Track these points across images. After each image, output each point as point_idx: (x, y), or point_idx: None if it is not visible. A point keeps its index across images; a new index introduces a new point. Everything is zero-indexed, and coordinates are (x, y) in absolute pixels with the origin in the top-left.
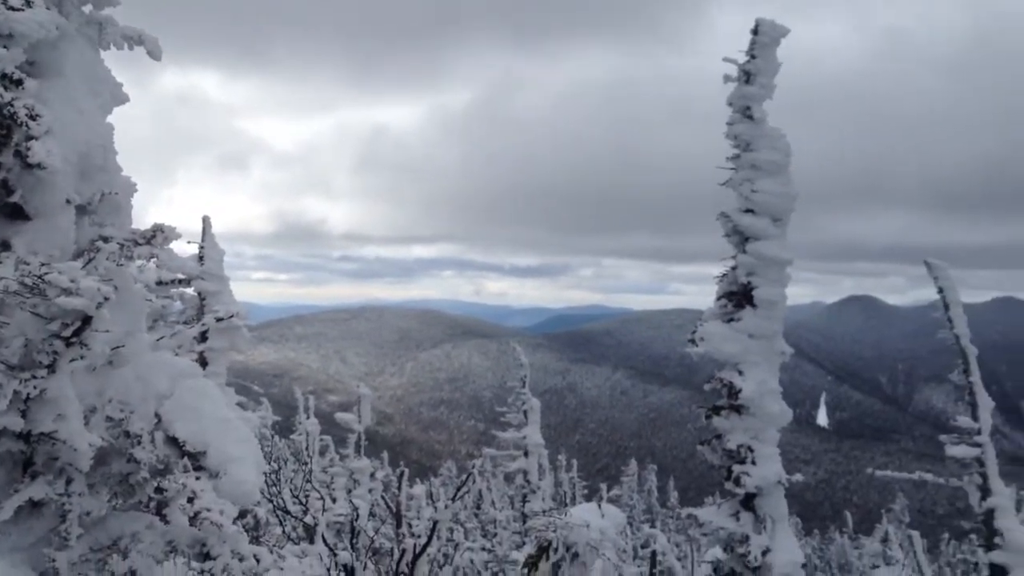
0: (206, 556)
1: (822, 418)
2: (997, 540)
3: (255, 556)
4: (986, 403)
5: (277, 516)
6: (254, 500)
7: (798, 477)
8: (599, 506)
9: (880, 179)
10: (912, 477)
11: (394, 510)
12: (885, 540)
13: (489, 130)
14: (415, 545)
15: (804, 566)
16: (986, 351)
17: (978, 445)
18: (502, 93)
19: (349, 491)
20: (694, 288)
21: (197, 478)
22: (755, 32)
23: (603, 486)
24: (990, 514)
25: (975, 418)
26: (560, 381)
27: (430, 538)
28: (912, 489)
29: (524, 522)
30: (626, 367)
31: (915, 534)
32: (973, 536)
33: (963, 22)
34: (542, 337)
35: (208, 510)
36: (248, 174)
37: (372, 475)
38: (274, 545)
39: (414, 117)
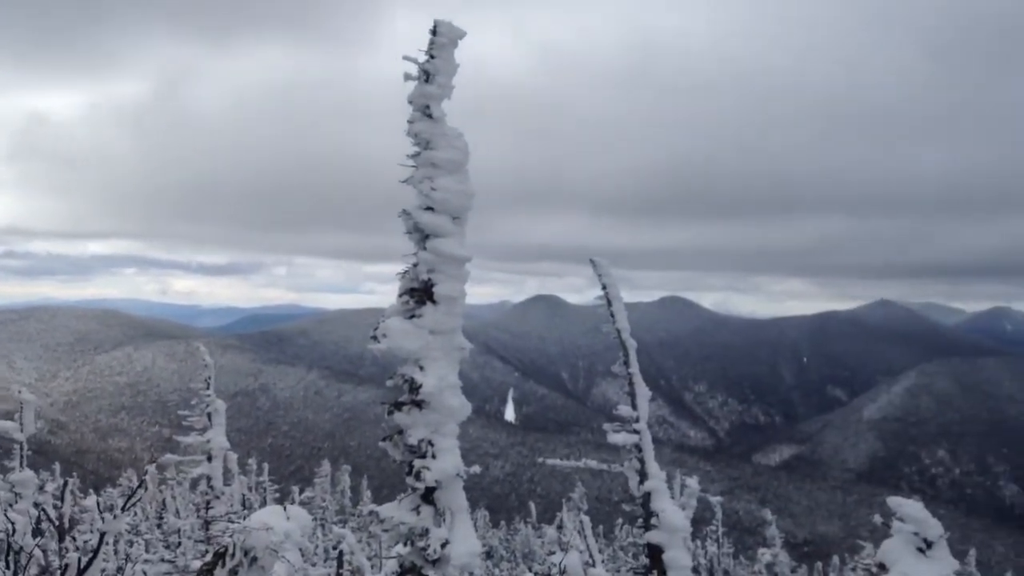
0: None
1: (510, 413)
2: (654, 521)
3: None
4: (644, 392)
5: None
6: None
7: (475, 469)
8: (284, 509)
9: (557, 185)
10: (579, 464)
11: (56, 524)
12: (560, 527)
13: (169, 123)
14: (79, 560)
15: (491, 556)
16: (655, 347)
17: (636, 432)
18: (182, 87)
19: (10, 505)
20: (388, 287)
21: None
22: (434, 33)
23: (295, 488)
24: (647, 497)
25: (634, 407)
26: (252, 383)
27: (96, 552)
28: (590, 478)
29: (207, 530)
30: (320, 367)
31: (586, 519)
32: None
33: (622, 38)
34: (234, 337)
35: None
36: None
37: (41, 488)
38: None
39: (80, 105)
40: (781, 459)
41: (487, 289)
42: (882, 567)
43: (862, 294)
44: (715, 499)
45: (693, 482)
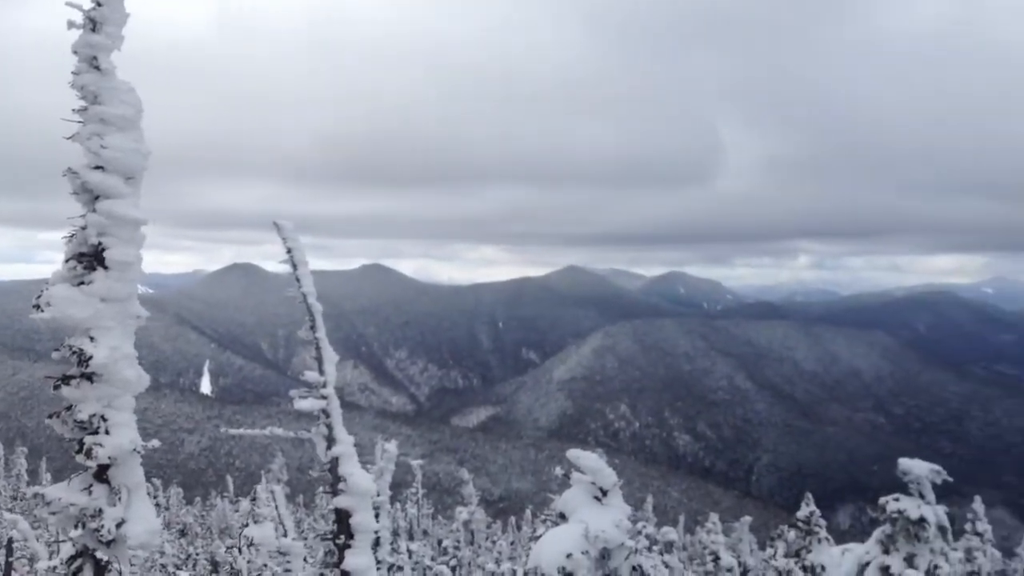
0: None
1: (206, 386)
2: (341, 486)
3: None
4: (331, 357)
5: None
6: None
7: (155, 443)
8: None
9: (245, 151)
10: (264, 433)
11: None
12: (255, 499)
13: None
14: None
15: (184, 533)
16: (356, 315)
17: (324, 398)
18: None
19: None
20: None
21: None
22: None
23: None
24: (335, 462)
25: (321, 372)
26: None
27: None
28: (291, 448)
29: None
30: None
31: (278, 489)
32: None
33: (310, 2)
34: None
35: None
36: None
37: None
38: None
39: None
40: (479, 421)
41: (179, 258)
42: (562, 516)
43: (553, 261)
44: (415, 462)
45: (392, 447)
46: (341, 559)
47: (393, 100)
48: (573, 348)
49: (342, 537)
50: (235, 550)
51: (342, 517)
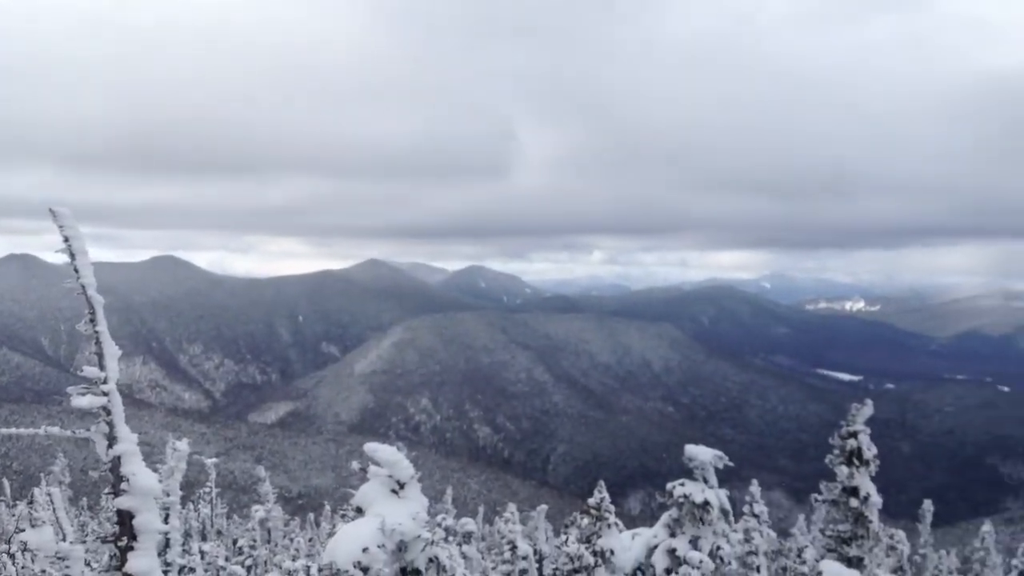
0: None
1: None
2: (124, 486)
3: None
4: (113, 352)
5: None
6: None
7: None
8: None
9: (21, 131)
10: (39, 432)
11: None
12: (32, 502)
13: None
14: None
15: None
16: (147, 309)
17: (105, 394)
18: None
19: None
20: None
21: None
22: None
23: None
24: (117, 461)
25: (102, 367)
26: None
27: None
28: (75, 448)
29: None
30: None
31: (56, 492)
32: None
33: None
34: None
35: None
36: None
37: None
38: None
39: None
40: (277, 416)
41: None
42: (359, 510)
43: (354, 254)
44: (209, 460)
45: (183, 445)
46: (124, 562)
47: (186, 87)
48: (374, 342)
49: (124, 539)
50: (5, 555)
51: (124, 518)
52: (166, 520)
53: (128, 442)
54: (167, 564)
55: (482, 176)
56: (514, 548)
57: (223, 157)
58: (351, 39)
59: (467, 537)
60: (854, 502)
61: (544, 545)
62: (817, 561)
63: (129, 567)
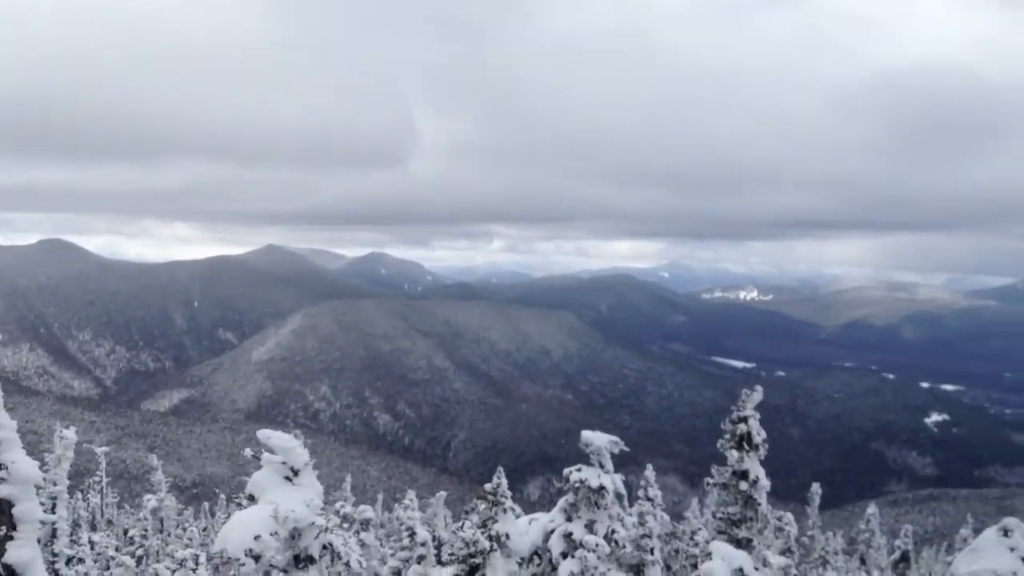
0: None
1: None
2: (2, 474)
3: None
4: None
5: None
6: None
7: None
8: None
9: None
10: None
11: None
12: None
13: None
14: None
15: None
16: (34, 293)
17: None
18: None
19: None
20: None
21: None
22: None
23: None
24: None
25: None
26: None
27: None
28: None
29: None
30: None
31: None
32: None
33: None
34: None
35: None
36: None
37: None
38: None
39: None
40: (171, 404)
41: None
42: (252, 498)
43: (251, 240)
44: (100, 449)
45: (70, 433)
46: (2, 552)
47: (71, 67)
48: (272, 329)
49: (4, 528)
50: None
51: (3, 507)
52: (53, 510)
53: (7, 429)
54: (54, 554)
55: (382, 163)
56: (413, 534)
57: (115, 140)
58: (251, 23)
59: (365, 524)
60: (744, 485)
61: (443, 531)
62: (707, 543)
63: (8, 557)
